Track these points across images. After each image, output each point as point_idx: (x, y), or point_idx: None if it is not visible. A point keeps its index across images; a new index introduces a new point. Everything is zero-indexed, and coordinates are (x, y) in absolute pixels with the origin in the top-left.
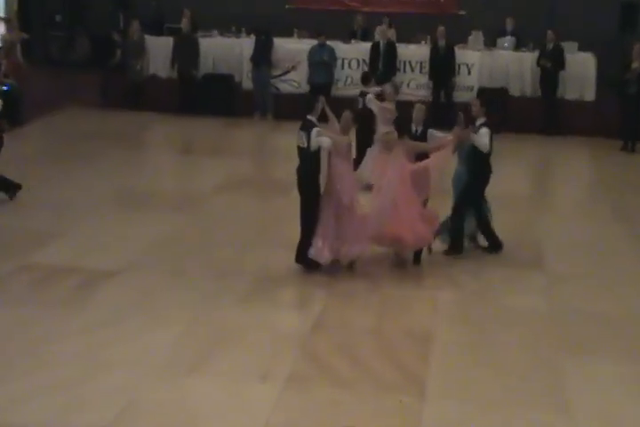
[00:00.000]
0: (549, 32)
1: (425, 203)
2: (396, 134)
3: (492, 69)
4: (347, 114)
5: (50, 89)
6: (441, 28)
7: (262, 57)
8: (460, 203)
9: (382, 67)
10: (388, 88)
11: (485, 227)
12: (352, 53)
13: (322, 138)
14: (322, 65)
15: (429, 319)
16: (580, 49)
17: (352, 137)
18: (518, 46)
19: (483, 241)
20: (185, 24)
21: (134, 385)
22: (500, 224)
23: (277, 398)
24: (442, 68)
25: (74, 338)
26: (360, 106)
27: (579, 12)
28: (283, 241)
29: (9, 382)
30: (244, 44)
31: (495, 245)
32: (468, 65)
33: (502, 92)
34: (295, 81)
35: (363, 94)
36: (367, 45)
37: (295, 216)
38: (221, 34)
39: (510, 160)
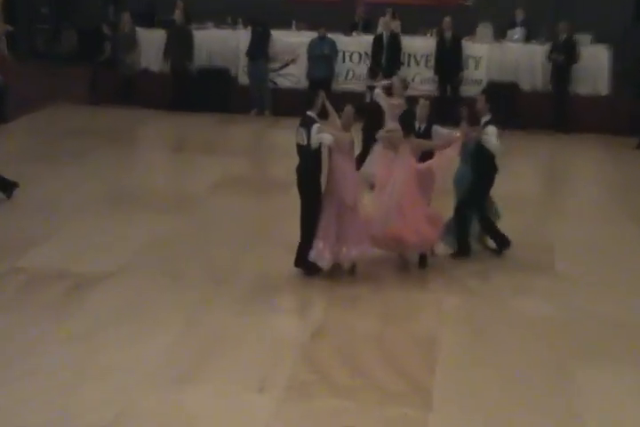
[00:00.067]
0: (561, 24)
1: (427, 204)
2: (400, 132)
3: (501, 63)
4: (348, 109)
5: (36, 84)
6: (447, 20)
7: (259, 50)
8: (464, 204)
9: (385, 60)
10: (396, 83)
11: (489, 227)
12: (353, 46)
13: (322, 135)
14: (322, 58)
15: (435, 325)
16: (594, 41)
17: (355, 133)
18: (529, 38)
19: (491, 243)
20: (178, 16)
21: (127, 394)
22: (508, 226)
23: (276, 408)
24: (448, 62)
25: (63, 345)
26: (368, 100)
27: (592, 2)
28: (281, 243)
29: None
30: (241, 37)
31: (503, 243)
32: (475, 58)
33: (512, 86)
34: (294, 75)
35: (370, 88)
36: (370, 38)
37: (294, 217)
38: (216, 26)
39: (519, 159)
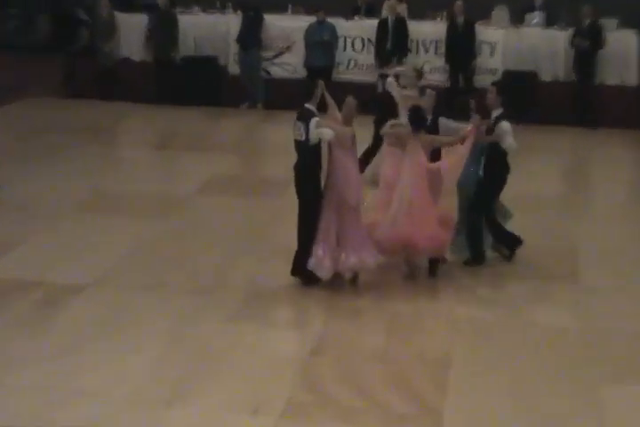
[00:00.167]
0: (585, 7)
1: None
2: (406, 126)
3: (518, 50)
4: (350, 100)
5: (6, 76)
6: (459, 3)
7: (251, 36)
8: (473, 209)
9: (391, 47)
10: (409, 72)
11: (496, 228)
12: (356, 32)
13: (322, 129)
14: (321, 45)
15: (445, 339)
16: (621, 26)
17: (361, 128)
18: (549, 23)
19: (506, 251)
20: None
21: (107, 418)
22: (525, 229)
23: None
24: (460, 49)
25: (35, 365)
26: (379, 90)
27: None
28: (277, 250)
29: None
30: (231, 22)
31: (514, 242)
32: (490, 45)
33: (530, 76)
34: (290, 64)
35: (383, 77)
36: (373, 22)
37: (291, 221)
38: (204, 10)
39: (539, 156)
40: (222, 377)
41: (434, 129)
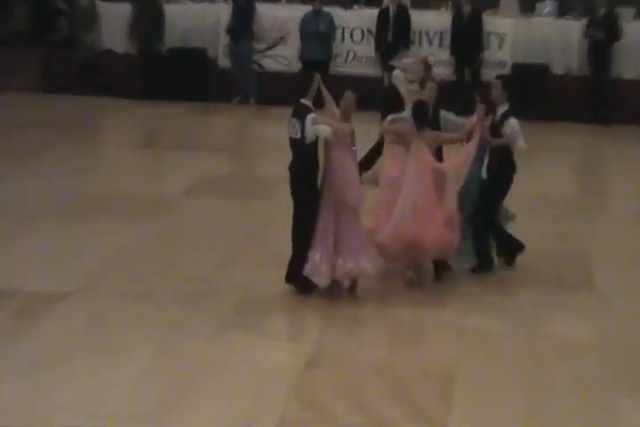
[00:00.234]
0: None
1: None
2: (407, 121)
3: (528, 42)
4: (348, 95)
5: None
6: None
7: (242, 27)
8: (478, 213)
9: (392, 38)
10: (415, 64)
11: (499, 233)
12: (354, 22)
13: (319, 126)
14: (317, 36)
15: (451, 351)
16: (638, 16)
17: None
18: (562, 12)
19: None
20: None
21: None
22: (536, 234)
23: None
24: (466, 41)
25: (11, 379)
26: (385, 83)
27: None
28: (270, 255)
29: None
30: (220, 12)
31: (516, 247)
32: (499, 36)
33: (542, 69)
34: (284, 57)
35: (389, 68)
36: (374, 12)
37: (286, 224)
38: None
39: (550, 155)
40: (212, 391)
41: (435, 123)
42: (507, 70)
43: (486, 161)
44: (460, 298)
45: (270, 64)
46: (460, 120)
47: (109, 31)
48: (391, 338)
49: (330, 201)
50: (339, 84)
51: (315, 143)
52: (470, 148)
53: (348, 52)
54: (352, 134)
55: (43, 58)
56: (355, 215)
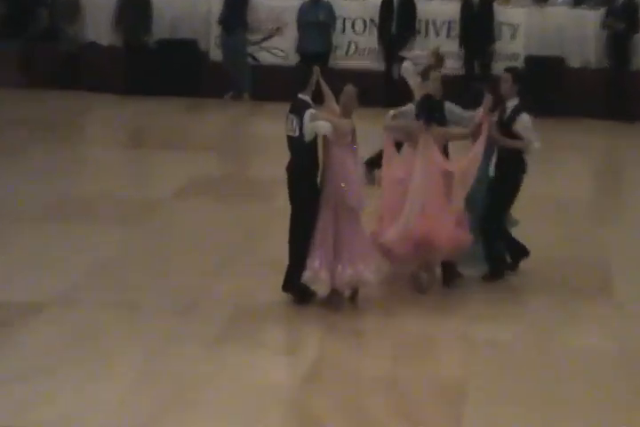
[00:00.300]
0: None
1: None
2: (409, 116)
3: (543, 32)
4: (349, 89)
5: None
6: None
7: (235, 17)
8: (487, 217)
9: (396, 29)
10: (427, 57)
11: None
12: (356, 11)
13: (318, 122)
14: (316, 27)
15: (461, 365)
16: None
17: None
18: (578, 2)
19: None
20: None
21: None
22: (549, 238)
23: None
24: (476, 31)
25: None
26: (395, 76)
27: None
28: (266, 262)
29: None
30: (212, 1)
31: (521, 252)
32: (511, 26)
33: (557, 62)
34: (280, 49)
35: (399, 60)
36: (376, 1)
37: (283, 229)
38: None
39: (566, 154)
40: (204, 408)
41: (441, 118)
42: (519, 63)
43: (495, 159)
44: (468, 306)
45: (265, 57)
46: (466, 114)
47: (93, 22)
48: (396, 350)
49: (329, 203)
50: (339, 79)
51: (314, 142)
52: (478, 148)
53: (349, 44)
54: (353, 132)
55: (22, 51)
56: (355, 218)
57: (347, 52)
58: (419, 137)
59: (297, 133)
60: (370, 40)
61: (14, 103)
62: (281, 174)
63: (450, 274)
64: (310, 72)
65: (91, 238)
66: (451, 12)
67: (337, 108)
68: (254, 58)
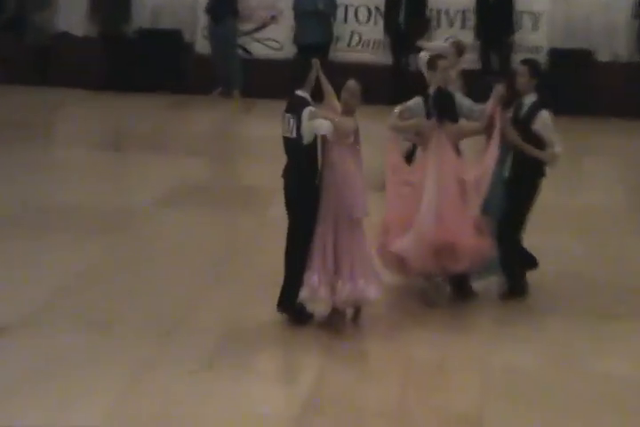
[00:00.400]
0: None
1: None
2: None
3: (568, 22)
4: (352, 85)
5: None
6: None
7: (225, 5)
8: (505, 226)
9: (405, 18)
10: (446, 48)
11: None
12: None
13: (317, 121)
14: (315, 16)
15: (476, 395)
16: None
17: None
18: None
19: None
20: None
21: None
22: (576, 253)
23: None
24: (494, 21)
25: None
26: (412, 68)
27: None
28: (258, 278)
29: None
30: None
31: (528, 264)
32: (533, 15)
33: (584, 55)
34: (275, 40)
35: (417, 50)
36: None
37: (278, 241)
38: None
39: (592, 157)
40: None
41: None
42: (542, 56)
43: (510, 160)
44: (481, 327)
45: (259, 49)
46: (476, 107)
47: (66, 11)
48: (404, 377)
49: (329, 212)
50: (340, 73)
51: (314, 144)
52: (492, 152)
53: (352, 35)
54: (356, 132)
55: None
56: (357, 227)
57: (349, 44)
58: (431, 136)
59: (294, 134)
60: (375, 30)
61: None
62: (276, 180)
63: (463, 289)
64: (309, 66)
65: (62, 252)
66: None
67: (338, 106)
68: (246, 50)
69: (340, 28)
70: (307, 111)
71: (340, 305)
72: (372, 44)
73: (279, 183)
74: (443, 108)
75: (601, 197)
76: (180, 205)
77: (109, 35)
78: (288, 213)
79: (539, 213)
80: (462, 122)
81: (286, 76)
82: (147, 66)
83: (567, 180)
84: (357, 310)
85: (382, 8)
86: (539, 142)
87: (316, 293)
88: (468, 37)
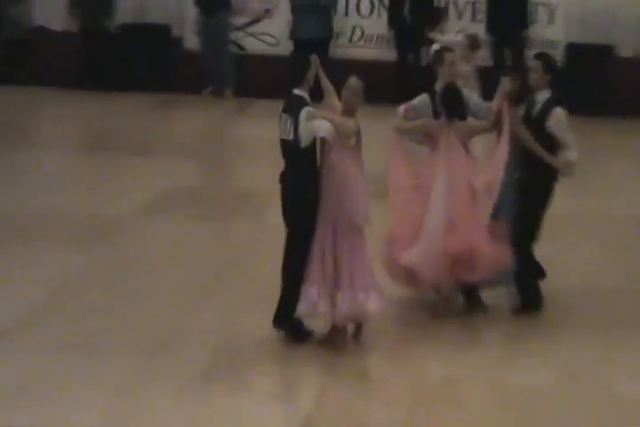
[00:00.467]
0: None
1: None
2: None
3: (587, 15)
4: (353, 83)
5: None
6: None
7: None
8: (519, 233)
9: (410, 10)
10: (459, 41)
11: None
12: None
13: (316, 123)
14: (313, 9)
15: (491, 417)
16: None
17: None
18: None
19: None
20: None
21: None
22: (597, 264)
23: None
24: (507, 14)
25: None
26: (424, 63)
27: None
28: (254, 291)
29: None
30: None
31: (537, 273)
32: (549, 7)
33: (604, 51)
34: (270, 35)
35: (428, 43)
36: None
37: (273, 251)
38: None
39: (614, 160)
40: None
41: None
42: (559, 52)
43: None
44: (494, 343)
45: (253, 44)
46: (484, 104)
47: (43, 4)
48: (411, 396)
49: (327, 218)
50: (342, 70)
51: (313, 146)
52: (502, 152)
53: (354, 29)
54: (358, 133)
55: None
56: (358, 236)
57: (350, 39)
58: (439, 136)
59: (292, 136)
60: (378, 24)
61: None
62: (271, 185)
63: (472, 299)
64: (307, 63)
65: (38, 265)
66: None
67: (339, 106)
68: (239, 46)
69: (341, 22)
70: (305, 112)
71: (340, 320)
72: (375, 39)
73: (274, 188)
74: (451, 106)
75: (620, 202)
76: (168, 212)
77: (90, 30)
78: (286, 222)
79: (552, 220)
80: (470, 120)
81: (283, 74)
82: (131, 63)
83: (582, 183)
84: (359, 326)
85: (386, 0)
86: (552, 143)
87: (314, 307)
88: (479, 31)
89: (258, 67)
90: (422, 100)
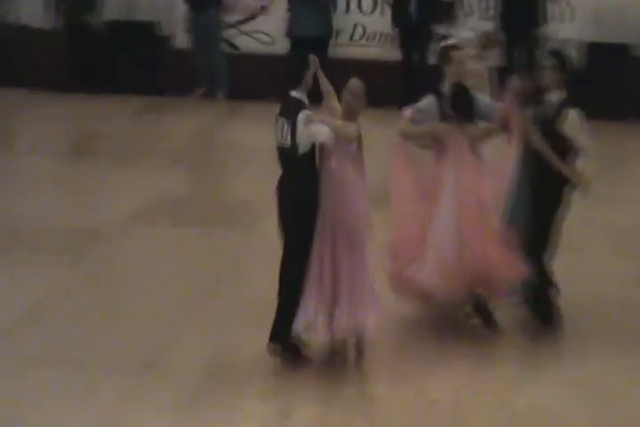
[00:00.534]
0: None
1: None
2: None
3: (603, 13)
4: (354, 84)
5: None
6: None
7: None
8: (534, 243)
9: (416, 7)
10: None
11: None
12: None
13: (315, 127)
14: (312, 5)
15: None
16: None
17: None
18: None
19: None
20: None
21: None
22: (616, 275)
23: None
24: (519, 11)
25: None
26: (431, 62)
27: None
28: (247, 307)
29: None
30: None
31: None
32: (564, 5)
33: (621, 49)
34: (266, 33)
35: (438, 40)
36: None
37: (269, 264)
38: None
39: (631, 166)
40: None
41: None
42: (573, 51)
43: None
44: (505, 362)
45: (247, 43)
46: (495, 105)
47: (25, 1)
48: (412, 417)
49: (326, 231)
50: (342, 71)
51: (311, 152)
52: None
53: (355, 27)
54: (359, 138)
55: None
56: (358, 247)
57: (351, 37)
58: (448, 141)
59: (289, 142)
60: (381, 21)
61: None
62: (265, 194)
63: (486, 316)
64: (305, 63)
65: (18, 279)
66: None
67: (339, 109)
68: (232, 44)
69: (342, 20)
70: (302, 115)
71: (338, 337)
72: (377, 38)
73: (269, 197)
74: (461, 107)
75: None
76: (154, 223)
77: (75, 28)
78: (282, 234)
79: (568, 229)
80: (481, 123)
81: (279, 75)
82: (118, 63)
83: (604, 191)
84: (360, 353)
85: None
86: (565, 146)
87: (312, 323)
88: (489, 28)
89: (252, 67)
90: (428, 102)
